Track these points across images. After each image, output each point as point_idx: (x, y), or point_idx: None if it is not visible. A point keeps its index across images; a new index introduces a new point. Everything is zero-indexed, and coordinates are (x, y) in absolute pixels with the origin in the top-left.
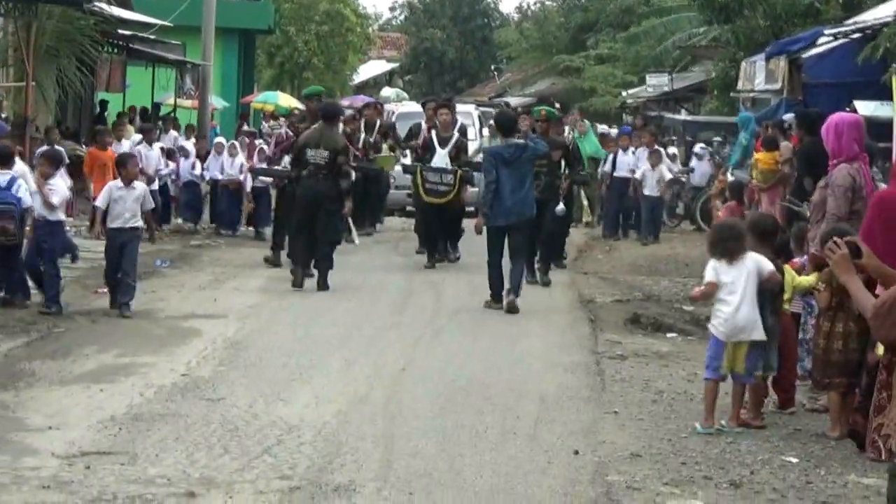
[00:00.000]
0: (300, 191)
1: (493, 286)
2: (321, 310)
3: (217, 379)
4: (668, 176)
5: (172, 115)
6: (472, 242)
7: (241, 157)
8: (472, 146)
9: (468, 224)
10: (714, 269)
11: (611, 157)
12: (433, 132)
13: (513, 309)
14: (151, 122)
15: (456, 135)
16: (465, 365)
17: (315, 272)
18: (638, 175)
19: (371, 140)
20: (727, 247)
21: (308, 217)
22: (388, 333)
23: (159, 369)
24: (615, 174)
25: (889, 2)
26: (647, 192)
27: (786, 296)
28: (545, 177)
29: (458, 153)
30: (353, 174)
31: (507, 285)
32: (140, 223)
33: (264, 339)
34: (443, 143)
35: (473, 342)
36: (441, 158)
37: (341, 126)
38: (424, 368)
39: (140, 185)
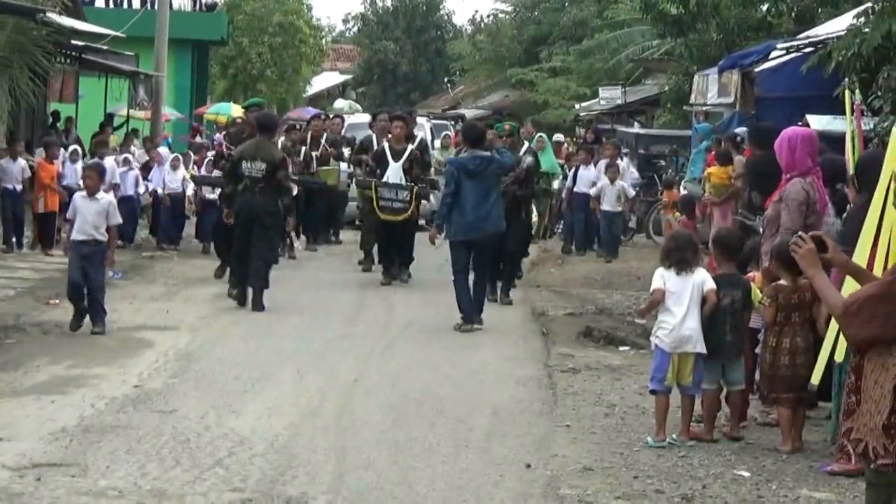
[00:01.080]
0: (236, 206)
1: (462, 306)
2: (273, 322)
3: (169, 391)
4: (632, 193)
5: (128, 128)
6: (424, 256)
7: (182, 170)
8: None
9: (419, 244)
10: (661, 278)
11: (571, 171)
12: (386, 145)
13: (477, 328)
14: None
15: (410, 147)
16: (418, 377)
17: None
18: (594, 191)
19: (316, 154)
20: (682, 257)
21: (245, 233)
22: (340, 345)
23: (111, 381)
24: (576, 189)
25: (841, 16)
26: (605, 207)
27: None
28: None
29: (413, 166)
30: (295, 189)
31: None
32: (104, 237)
33: (216, 351)
34: (396, 157)
35: (425, 355)
36: (395, 172)
37: (283, 138)
38: (376, 380)
39: (105, 198)
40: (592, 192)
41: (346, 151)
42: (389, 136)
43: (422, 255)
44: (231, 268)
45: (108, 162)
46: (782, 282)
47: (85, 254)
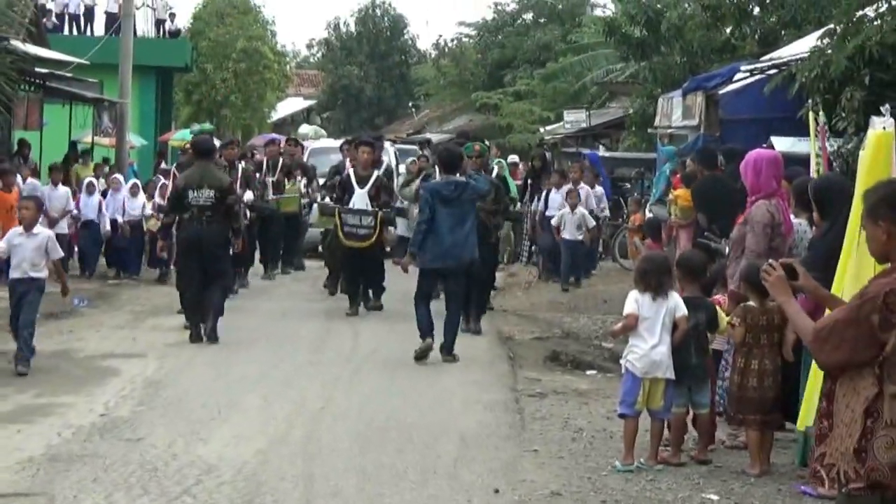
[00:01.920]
0: (181, 235)
1: (421, 325)
2: (240, 349)
3: (136, 419)
4: (592, 222)
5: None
6: (391, 283)
7: (142, 197)
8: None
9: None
10: (636, 302)
11: (542, 195)
12: (351, 171)
13: (422, 357)
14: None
15: (376, 174)
16: (385, 403)
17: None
18: (555, 221)
19: (272, 179)
20: (657, 281)
21: (192, 263)
22: (306, 372)
23: (78, 409)
24: (547, 213)
25: (805, 38)
26: (565, 235)
27: (718, 333)
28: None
29: (379, 193)
30: (249, 214)
31: (440, 340)
32: (42, 274)
33: (183, 379)
34: (361, 183)
35: (392, 381)
36: (360, 199)
37: (242, 164)
38: (344, 407)
39: (43, 232)
40: (553, 221)
41: (302, 182)
42: (354, 162)
43: (392, 284)
44: (182, 302)
45: (62, 190)
46: (751, 303)
47: (22, 292)
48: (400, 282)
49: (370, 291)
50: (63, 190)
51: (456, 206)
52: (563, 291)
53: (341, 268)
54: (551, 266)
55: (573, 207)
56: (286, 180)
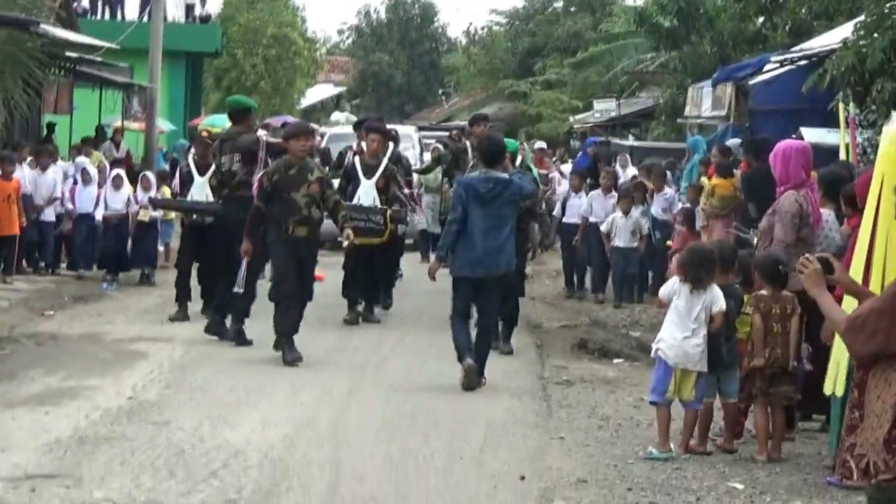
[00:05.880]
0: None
1: (458, 344)
2: (268, 334)
3: (163, 402)
4: (647, 227)
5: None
6: (415, 280)
7: (126, 189)
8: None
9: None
10: (673, 290)
11: (559, 201)
12: (357, 159)
13: (472, 385)
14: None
15: (385, 162)
16: (412, 390)
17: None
18: (604, 227)
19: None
20: (697, 273)
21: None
22: (334, 358)
23: (105, 392)
24: (565, 220)
25: (836, 29)
26: (618, 242)
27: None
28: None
29: (388, 185)
30: None
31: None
32: None
33: (211, 363)
34: (368, 173)
35: (420, 368)
36: (366, 191)
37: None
38: (371, 393)
39: None
40: (603, 227)
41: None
42: (363, 149)
43: (413, 277)
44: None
45: (50, 175)
46: (763, 292)
47: None
48: (421, 273)
49: (380, 294)
50: (51, 176)
51: (494, 207)
52: (616, 308)
53: (347, 267)
54: (569, 283)
55: (626, 212)
56: None
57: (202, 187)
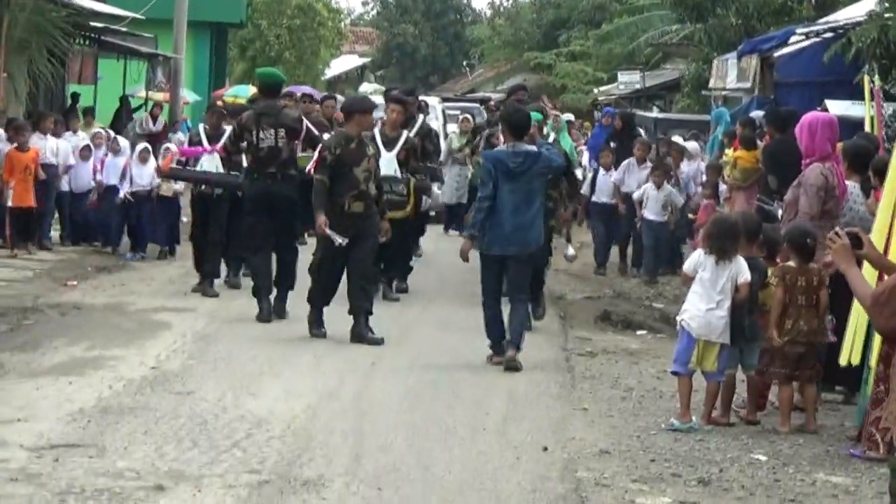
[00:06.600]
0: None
1: (490, 334)
2: (290, 306)
3: (186, 372)
4: (680, 201)
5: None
6: (435, 252)
7: (152, 162)
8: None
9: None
10: (697, 263)
11: (588, 177)
12: (377, 131)
13: (513, 366)
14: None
15: (405, 135)
16: (435, 360)
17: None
18: (636, 195)
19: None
20: (722, 245)
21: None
22: None
23: (128, 362)
24: (594, 199)
25: (861, 1)
26: (648, 215)
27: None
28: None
29: (409, 157)
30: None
31: (506, 336)
32: None
33: (234, 333)
34: (389, 145)
35: (443, 337)
36: (387, 164)
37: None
38: (394, 364)
39: None
40: (635, 196)
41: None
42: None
43: (435, 249)
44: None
45: (64, 143)
46: (790, 263)
47: None
48: (444, 245)
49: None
50: (65, 144)
51: (523, 182)
52: (646, 284)
53: None
54: (600, 258)
55: (659, 185)
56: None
57: (212, 158)
